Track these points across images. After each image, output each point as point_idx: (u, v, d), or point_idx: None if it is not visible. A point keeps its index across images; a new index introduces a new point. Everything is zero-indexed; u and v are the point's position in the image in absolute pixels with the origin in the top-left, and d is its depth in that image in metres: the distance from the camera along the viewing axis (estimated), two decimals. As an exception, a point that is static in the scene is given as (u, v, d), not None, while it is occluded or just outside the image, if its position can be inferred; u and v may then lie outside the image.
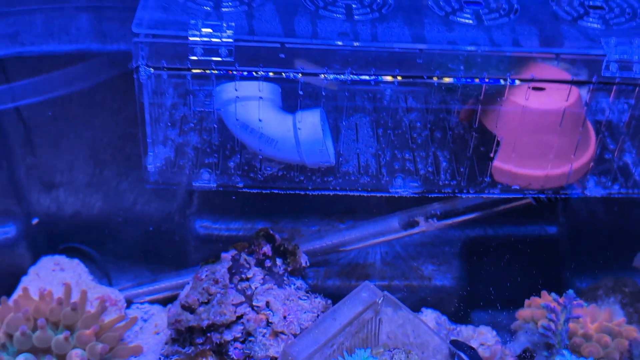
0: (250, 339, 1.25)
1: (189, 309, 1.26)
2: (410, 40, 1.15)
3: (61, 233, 1.51)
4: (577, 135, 1.22)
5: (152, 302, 1.46)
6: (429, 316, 1.38)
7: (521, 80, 1.17)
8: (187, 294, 1.27)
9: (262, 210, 1.52)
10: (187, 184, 1.23)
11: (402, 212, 1.44)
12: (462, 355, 1.14)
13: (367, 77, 1.15)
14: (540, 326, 1.22)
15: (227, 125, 1.23)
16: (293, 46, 1.12)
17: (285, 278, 1.31)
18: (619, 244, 1.45)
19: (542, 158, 1.23)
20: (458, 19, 1.20)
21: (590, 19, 1.22)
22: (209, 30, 1.10)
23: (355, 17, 1.19)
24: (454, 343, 1.19)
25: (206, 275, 1.29)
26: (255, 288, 1.28)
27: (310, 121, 1.21)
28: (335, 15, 1.19)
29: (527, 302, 1.33)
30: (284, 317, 1.25)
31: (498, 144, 1.23)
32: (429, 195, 1.25)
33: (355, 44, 1.13)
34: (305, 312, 1.26)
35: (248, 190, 1.24)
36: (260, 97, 1.18)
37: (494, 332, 1.38)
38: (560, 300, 1.23)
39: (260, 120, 1.19)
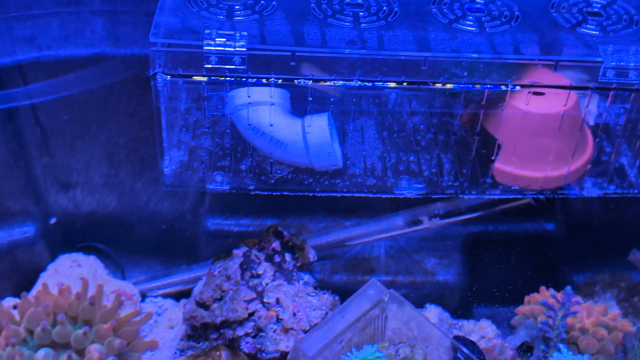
0: (261, 334, 1.29)
1: (203, 305, 1.31)
2: (415, 48, 1.20)
3: (78, 231, 1.56)
4: (575, 138, 1.27)
5: (165, 296, 1.51)
6: (432, 311, 1.43)
7: (522, 86, 1.22)
8: (202, 291, 1.32)
9: (271, 207, 1.57)
10: (201, 186, 1.28)
11: (406, 211, 1.49)
12: (465, 350, 1.19)
13: (374, 84, 1.19)
14: (539, 322, 1.27)
15: (239, 128, 1.28)
16: (303, 54, 1.16)
17: (294, 274, 1.36)
18: (615, 241, 1.49)
19: (542, 160, 1.28)
20: (461, 26, 1.25)
21: (589, 26, 1.26)
22: (223, 39, 1.15)
23: (363, 24, 1.23)
24: (457, 338, 1.24)
25: (219, 272, 1.33)
26: (266, 284, 1.33)
27: (319, 125, 1.25)
28: (343, 23, 1.23)
29: (526, 298, 1.38)
30: (294, 314, 1.30)
31: (499, 146, 1.27)
32: (433, 196, 1.31)
33: (363, 52, 1.18)
34: (314, 309, 1.31)
35: (259, 193, 1.29)
36: (272, 103, 1.23)
37: (494, 327, 1.43)
38: (558, 296, 1.27)
39: (271, 125, 1.24)
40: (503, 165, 1.29)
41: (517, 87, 1.21)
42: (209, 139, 1.32)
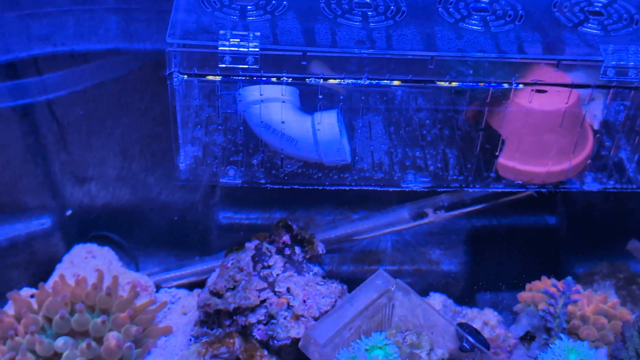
0: (272, 321, 1.33)
1: (217, 294, 1.35)
2: (422, 47, 1.24)
3: (93, 223, 1.60)
4: (576, 134, 1.32)
5: (178, 287, 1.55)
6: (437, 300, 1.47)
7: (525, 84, 1.26)
8: (215, 282, 1.36)
9: (279, 200, 1.61)
10: (214, 181, 1.32)
11: (411, 204, 1.53)
12: (469, 337, 1.22)
13: (382, 82, 1.23)
14: (541, 310, 1.32)
15: (250, 125, 1.32)
16: (314, 54, 1.20)
17: (304, 265, 1.40)
18: (614, 232, 1.52)
19: (544, 155, 1.32)
20: (467, 25, 1.29)
21: (590, 25, 1.30)
22: (237, 40, 1.19)
23: (371, 24, 1.27)
24: (461, 326, 1.27)
25: (232, 264, 1.38)
26: (277, 275, 1.37)
27: (328, 122, 1.30)
28: (352, 22, 1.27)
29: (528, 286, 1.42)
30: (304, 301, 1.34)
31: (503, 142, 1.32)
32: (438, 190, 1.35)
33: (372, 51, 1.21)
34: (323, 297, 1.35)
35: (270, 187, 1.33)
36: (283, 101, 1.27)
37: (496, 313, 1.46)
38: (559, 285, 1.32)
39: (282, 122, 1.28)
40: (506, 160, 1.33)
41: (521, 85, 1.26)
42: (221, 135, 1.36)
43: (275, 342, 1.32)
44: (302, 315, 1.33)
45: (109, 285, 1.42)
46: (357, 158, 1.36)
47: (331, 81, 1.23)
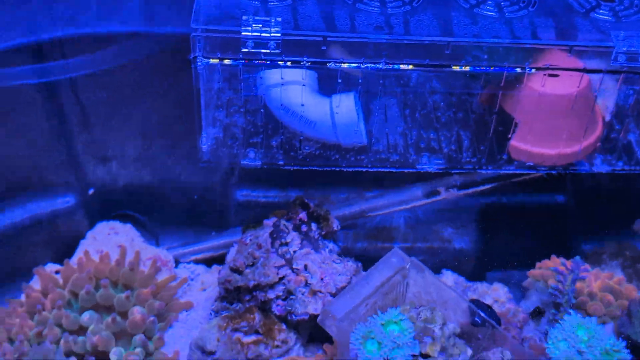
0: (291, 297, 1.37)
1: (237, 271, 1.39)
2: (439, 32, 1.27)
3: (114, 201, 1.64)
4: (587, 118, 1.35)
5: (197, 262, 1.59)
6: (449, 277, 1.51)
7: (538, 68, 1.29)
8: (235, 258, 1.40)
9: (295, 179, 1.64)
10: (235, 163, 1.36)
11: (425, 183, 1.57)
12: (481, 313, 1.26)
13: (400, 67, 1.27)
14: (550, 287, 1.36)
15: (270, 108, 1.35)
16: (334, 39, 1.24)
17: (320, 242, 1.44)
18: (622, 213, 1.55)
19: (555, 138, 1.36)
20: (482, 11, 1.32)
21: (602, 11, 1.33)
22: (259, 25, 1.22)
23: (389, 10, 1.30)
24: (473, 302, 1.32)
25: (250, 240, 1.42)
26: (294, 252, 1.40)
27: (346, 105, 1.33)
28: (370, 8, 1.30)
29: (537, 264, 1.47)
30: (321, 279, 1.38)
31: (516, 125, 1.35)
32: (452, 171, 1.39)
33: (390, 37, 1.25)
34: (339, 275, 1.39)
35: (289, 168, 1.37)
36: (303, 84, 1.30)
37: (506, 289, 1.50)
38: (568, 264, 1.36)
39: (302, 104, 1.32)
40: (519, 143, 1.37)
41: (534, 70, 1.29)
42: (242, 117, 1.40)
43: (294, 317, 1.36)
44: (320, 291, 1.36)
45: (131, 261, 1.47)
46: (373, 140, 1.39)
47: (347, 65, 1.26)
